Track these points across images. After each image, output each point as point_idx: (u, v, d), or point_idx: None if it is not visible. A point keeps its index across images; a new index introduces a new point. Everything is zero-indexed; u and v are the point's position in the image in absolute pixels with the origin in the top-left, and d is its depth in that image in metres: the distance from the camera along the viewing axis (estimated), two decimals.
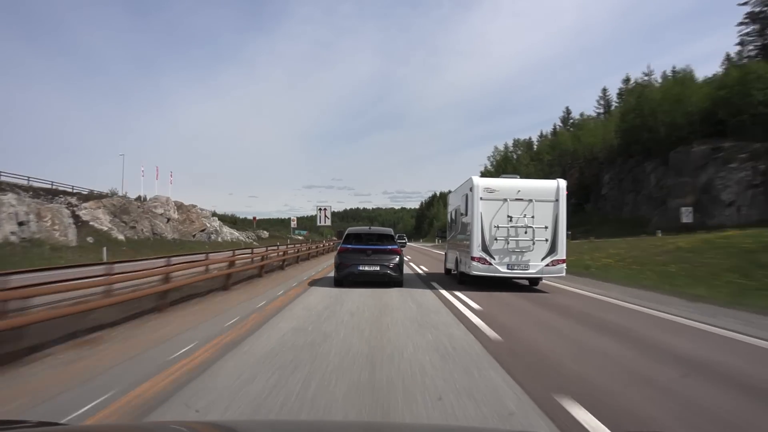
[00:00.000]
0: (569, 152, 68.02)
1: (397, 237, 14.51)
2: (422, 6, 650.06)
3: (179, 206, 50.17)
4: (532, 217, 12.15)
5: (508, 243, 12.11)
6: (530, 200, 12.22)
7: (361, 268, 12.91)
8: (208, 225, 53.47)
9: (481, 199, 12.29)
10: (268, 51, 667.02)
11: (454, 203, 15.82)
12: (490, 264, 12.14)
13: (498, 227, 12.13)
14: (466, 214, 13.13)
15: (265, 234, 71.19)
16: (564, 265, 12.29)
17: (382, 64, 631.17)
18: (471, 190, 12.48)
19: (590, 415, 3.72)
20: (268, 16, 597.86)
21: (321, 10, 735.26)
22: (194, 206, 53.04)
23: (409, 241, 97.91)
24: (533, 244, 12.09)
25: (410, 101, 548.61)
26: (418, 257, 30.43)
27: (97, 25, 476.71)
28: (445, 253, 18.19)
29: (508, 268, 12.18)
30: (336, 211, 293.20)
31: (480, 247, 12.16)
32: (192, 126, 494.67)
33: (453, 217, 15.76)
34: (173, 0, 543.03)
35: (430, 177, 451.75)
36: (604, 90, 78.14)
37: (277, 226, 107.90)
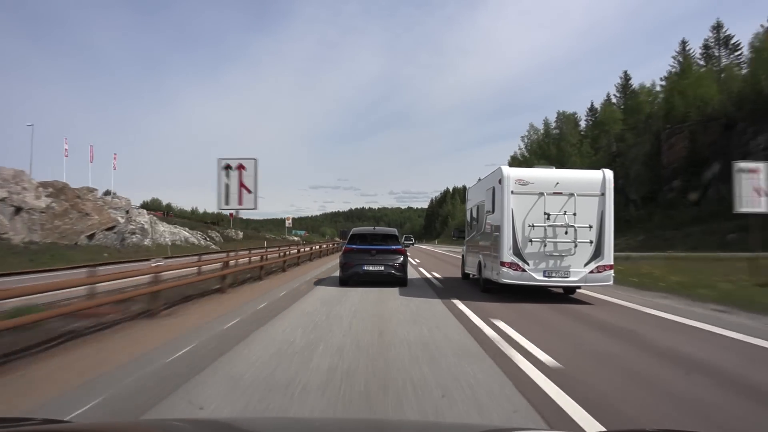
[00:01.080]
0: (660, 114, 50.65)
1: (403, 238, 16.59)
2: (427, 5, 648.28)
3: (58, 189, 32.44)
4: (574, 214, 10.24)
5: (544, 245, 10.21)
6: (571, 194, 10.32)
7: (365, 268, 13.11)
8: (121, 220, 38.08)
9: (512, 192, 10.39)
10: (273, 51, 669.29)
11: (475, 199, 13.90)
12: (524, 270, 10.24)
13: (533, 226, 10.23)
14: (493, 211, 11.23)
15: (238, 235, 60.97)
16: (611, 272, 10.39)
17: (388, 64, 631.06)
18: (500, 182, 10.57)
19: None
20: (273, 16, 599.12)
21: (326, 10, 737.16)
22: (92, 190, 37.25)
23: (417, 243, 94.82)
24: (575, 246, 10.19)
25: (416, 101, 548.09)
26: (431, 263, 25.54)
27: (102, 24, 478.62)
28: (463, 256, 16.28)
29: (544, 276, 10.28)
30: (341, 211, 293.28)
31: (511, 251, 10.27)
32: (197, 126, 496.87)
33: (474, 214, 13.85)
34: (178, 0, 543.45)
35: (436, 177, 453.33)
36: (683, 43, 57.54)
37: (270, 226, 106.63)
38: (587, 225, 10.25)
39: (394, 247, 13.58)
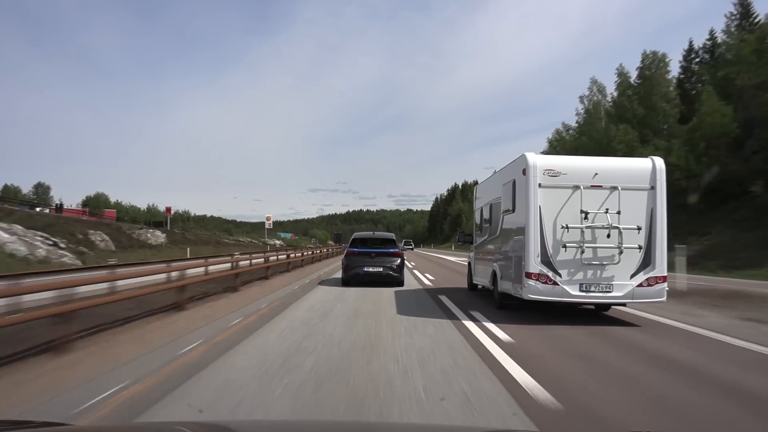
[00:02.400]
0: None
1: (403, 243, 18.48)
2: (428, 8, 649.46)
3: None
4: (618, 212, 8.22)
5: (581, 251, 8.19)
6: (614, 188, 8.31)
7: (366, 269, 14.59)
8: None
9: (539, 186, 8.36)
10: (273, 54, 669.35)
11: (487, 196, 11.84)
12: (555, 283, 8.18)
13: (567, 228, 8.20)
14: (513, 210, 9.19)
15: (157, 239, 39.57)
16: (665, 285, 8.37)
17: (388, 67, 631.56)
18: (523, 172, 8.53)
19: None
20: (273, 20, 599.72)
21: (326, 13, 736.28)
22: None
23: (422, 247, 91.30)
24: (620, 253, 8.17)
25: (415, 104, 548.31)
26: (442, 274, 20.73)
27: (102, 28, 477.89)
28: (469, 263, 14.21)
29: (582, 290, 8.23)
30: (339, 213, 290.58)
31: (539, 258, 8.22)
32: (197, 129, 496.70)
33: (486, 215, 11.79)
34: (179, 3, 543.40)
35: (436, 180, 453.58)
36: None
37: (258, 228, 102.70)
38: (635, 226, 8.22)
39: (392, 250, 15.26)
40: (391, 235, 16.90)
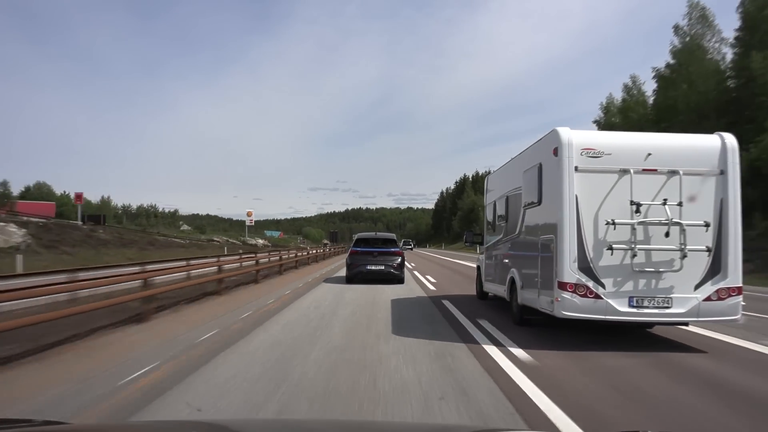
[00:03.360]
0: None
1: (402, 243, 18.52)
2: (428, 7, 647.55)
3: None
4: (679, 204, 6.34)
5: (632, 255, 6.33)
6: (673, 172, 6.45)
7: (368, 268, 15.49)
8: None
9: (576, 170, 6.48)
10: (273, 53, 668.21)
11: (502, 188, 9.96)
12: (597, 296, 6.31)
13: (612, 224, 6.32)
14: (540, 202, 7.32)
15: (13, 236, 26.03)
16: (739, 298, 6.49)
17: (388, 66, 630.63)
18: (555, 153, 6.66)
19: None
20: (273, 19, 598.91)
21: (326, 13, 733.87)
22: None
23: (428, 247, 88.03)
24: (682, 257, 6.30)
25: (415, 103, 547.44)
26: (449, 280, 17.11)
27: (102, 28, 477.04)
28: (478, 267, 12.33)
29: (632, 305, 6.36)
30: (338, 211, 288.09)
31: (576, 264, 6.36)
32: (197, 129, 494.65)
33: (501, 210, 9.91)
34: (179, 3, 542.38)
35: (435, 179, 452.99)
36: None
37: (256, 228, 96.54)
38: (701, 222, 6.35)
39: (393, 249, 16.20)
40: (392, 236, 18.42)
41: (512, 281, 8.60)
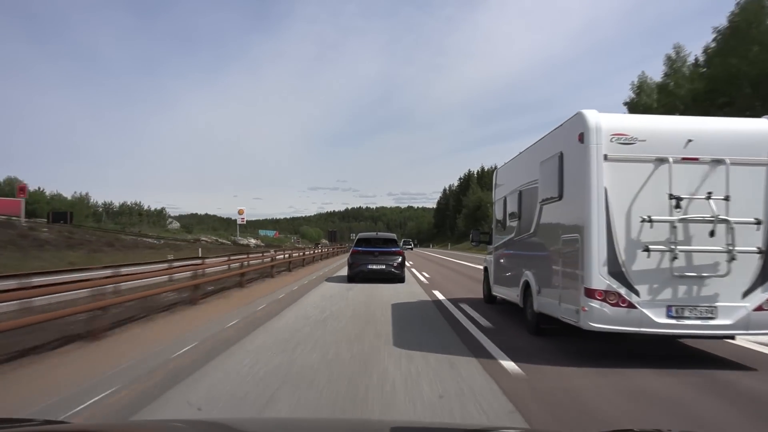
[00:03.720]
0: None
1: (402, 242, 19.17)
2: (428, 6, 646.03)
3: None
4: (725, 198, 5.48)
5: (672, 258, 5.47)
6: (717, 161, 5.57)
7: (370, 267, 15.61)
8: None
9: (606, 158, 5.59)
10: (273, 52, 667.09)
11: (514, 182, 9.09)
12: (631, 305, 5.45)
13: (650, 221, 5.45)
14: (561, 196, 6.46)
15: None
16: None
17: (388, 65, 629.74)
18: (580, 139, 5.80)
19: None
20: (273, 18, 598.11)
21: (326, 11, 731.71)
22: None
23: (432, 247, 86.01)
24: (729, 260, 5.42)
25: (416, 102, 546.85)
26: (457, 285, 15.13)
27: (102, 27, 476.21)
28: (486, 268, 11.48)
29: (671, 316, 5.50)
30: (337, 210, 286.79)
31: (606, 268, 5.50)
32: (197, 128, 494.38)
33: (513, 207, 9.05)
34: (179, 1, 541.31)
35: (435, 178, 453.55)
36: None
37: (255, 227, 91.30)
38: (752, 219, 5.48)
39: (393, 249, 16.37)
40: (393, 236, 18.79)
41: (526, 285, 7.73)
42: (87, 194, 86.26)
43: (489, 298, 10.99)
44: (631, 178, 5.63)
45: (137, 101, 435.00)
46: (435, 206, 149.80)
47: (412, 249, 62.27)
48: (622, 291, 5.51)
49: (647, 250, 5.45)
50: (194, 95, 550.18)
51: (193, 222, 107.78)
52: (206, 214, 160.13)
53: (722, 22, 29.23)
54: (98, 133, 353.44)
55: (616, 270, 5.54)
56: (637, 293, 5.52)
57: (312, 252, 30.79)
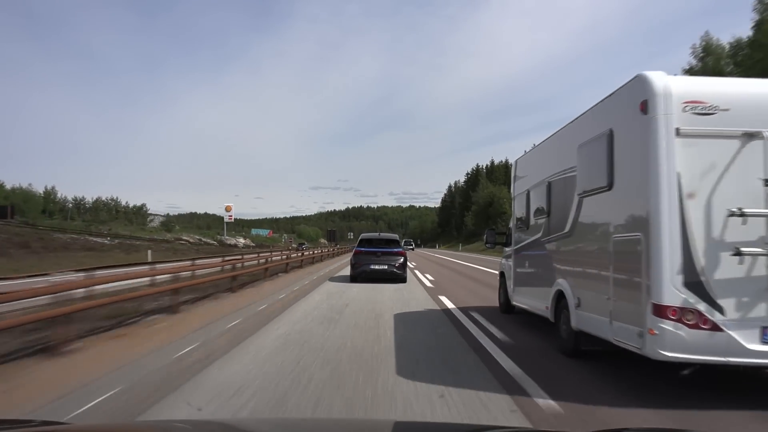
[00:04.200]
0: None
1: (404, 242, 19.86)
2: (430, 5, 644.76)
3: None
4: None
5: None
6: None
7: (372, 267, 16.00)
8: None
9: (678, 133, 4.26)
10: (274, 52, 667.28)
11: (540, 173, 7.75)
12: (715, 327, 4.15)
13: (741, 215, 4.11)
14: (611, 185, 5.13)
15: None
16: None
17: (389, 65, 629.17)
18: (642, 109, 4.49)
19: None
20: (274, 17, 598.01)
21: (327, 11, 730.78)
22: None
23: (438, 248, 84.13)
24: None
25: (417, 102, 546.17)
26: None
27: (103, 26, 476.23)
28: (502, 273, 10.14)
29: (767, 341, 4.13)
30: (338, 210, 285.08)
31: (681, 278, 4.17)
32: (198, 127, 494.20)
33: (539, 201, 7.73)
34: (180, 1, 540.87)
35: (437, 178, 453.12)
36: None
37: (257, 226, 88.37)
38: None
39: (395, 249, 16.55)
40: (395, 236, 19.29)
41: (559, 296, 6.40)
42: (54, 188, 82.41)
43: (506, 308, 9.67)
44: (712, 159, 4.31)
45: (138, 100, 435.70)
46: (437, 205, 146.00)
47: (413, 249, 61.18)
48: (702, 307, 4.19)
49: (738, 253, 4.13)
50: (195, 94, 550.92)
51: (182, 221, 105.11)
52: (205, 213, 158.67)
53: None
54: (99, 132, 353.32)
55: (693, 280, 4.22)
56: (721, 311, 4.20)
57: (302, 254, 27.48)
